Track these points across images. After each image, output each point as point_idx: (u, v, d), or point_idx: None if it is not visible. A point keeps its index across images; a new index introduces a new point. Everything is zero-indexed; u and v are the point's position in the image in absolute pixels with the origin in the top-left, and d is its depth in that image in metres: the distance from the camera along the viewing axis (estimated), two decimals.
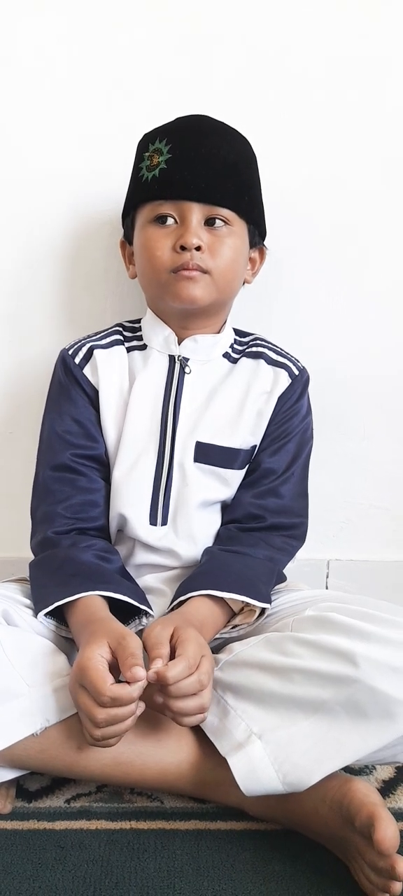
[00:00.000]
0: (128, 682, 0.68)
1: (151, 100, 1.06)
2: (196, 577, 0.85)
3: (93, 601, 0.80)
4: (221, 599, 0.83)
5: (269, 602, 0.85)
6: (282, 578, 0.94)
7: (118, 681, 0.69)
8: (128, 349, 0.97)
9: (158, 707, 0.71)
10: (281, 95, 1.07)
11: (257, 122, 1.01)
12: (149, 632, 0.74)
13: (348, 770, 0.78)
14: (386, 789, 0.84)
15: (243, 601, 0.83)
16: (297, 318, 1.12)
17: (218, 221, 0.89)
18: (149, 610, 0.84)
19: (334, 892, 0.69)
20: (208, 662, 0.73)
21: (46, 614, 0.82)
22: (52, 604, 0.80)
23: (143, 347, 0.97)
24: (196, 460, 0.91)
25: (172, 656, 0.71)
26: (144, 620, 0.85)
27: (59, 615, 0.83)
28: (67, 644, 0.83)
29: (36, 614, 0.82)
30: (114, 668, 0.71)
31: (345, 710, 0.70)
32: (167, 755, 0.77)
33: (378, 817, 0.65)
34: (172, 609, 0.84)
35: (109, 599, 0.82)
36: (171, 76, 1.06)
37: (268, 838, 0.76)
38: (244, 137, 0.93)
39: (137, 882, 0.70)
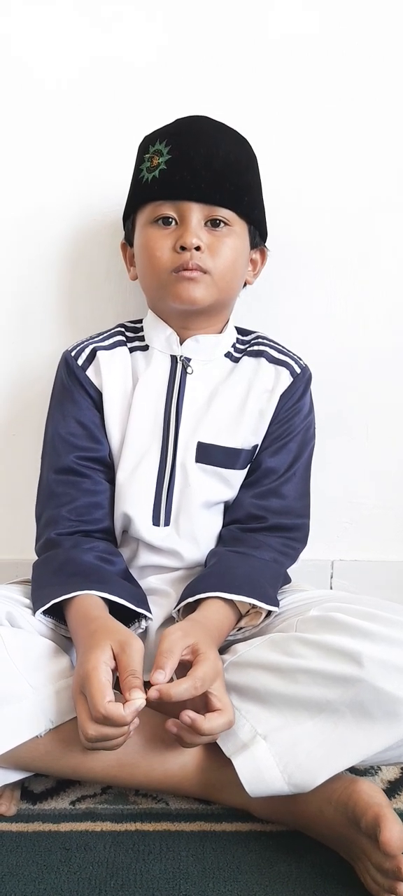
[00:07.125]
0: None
1: (153, 102, 1.06)
2: (205, 577, 0.84)
3: (89, 599, 0.79)
4: (231, 601, 0.83)
5: (277, 605, 0.84)
6: (287, 580, 0.94)
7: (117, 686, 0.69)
8: (131, 350, 0.96)
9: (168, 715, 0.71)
10: (282, 95, 1.07)
11: (257, 122, 1.01)
12: (166, 635, 0.73)
13: (353, 771, 0.78)
14: (392, 790, 0.84)
15: (252, 604, 0.83)
16: (300, 319, 1.12)
17: (217, 222, 0.89)
18: (147, 613, 0.84)
19: (339, 893, 0.69)
20: (221, 681, 0.72)
21: (46, 613, 0.81)
22: (49, 601, 0.80)
23: (145, 348, 0.96)
24: (197, 461, 0.91)
25: (183, 670, 0.71)
26: (143, 623, 0.85)
27: (59, 615, 0.82)
28: (68, 643, 0.83)
29: (34, 612, 0.81)
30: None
31: (350, 711, 0.70)
32: (172, 756, 0.77)
33: (384, 818, 0.65)
34: (178, 609, 0.84)
35: (109, 602, 0.81)
36: (172, 78, 1.06)
37: (274, 839, 0.76)
38: (244, 138, 0.93)
39: (142, 884, 0.70)
